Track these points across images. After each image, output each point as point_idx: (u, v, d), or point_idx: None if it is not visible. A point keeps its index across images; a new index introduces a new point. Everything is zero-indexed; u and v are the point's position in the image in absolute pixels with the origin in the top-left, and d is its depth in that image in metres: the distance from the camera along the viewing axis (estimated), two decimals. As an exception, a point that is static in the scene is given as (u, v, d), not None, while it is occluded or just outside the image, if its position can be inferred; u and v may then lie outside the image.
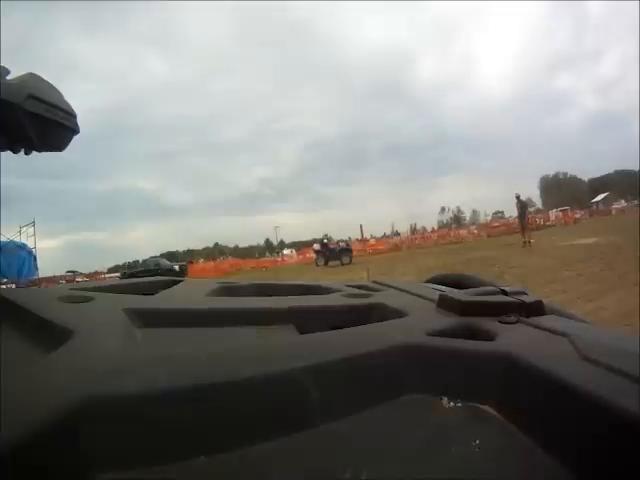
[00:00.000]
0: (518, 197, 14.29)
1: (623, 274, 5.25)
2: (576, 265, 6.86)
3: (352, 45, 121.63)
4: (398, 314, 0.49)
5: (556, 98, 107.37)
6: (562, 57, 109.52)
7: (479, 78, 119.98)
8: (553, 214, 32.26)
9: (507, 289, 0.50)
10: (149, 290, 0.69)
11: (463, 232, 29.63)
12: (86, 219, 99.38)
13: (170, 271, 19.21)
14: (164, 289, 0.70)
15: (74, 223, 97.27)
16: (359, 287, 0.69)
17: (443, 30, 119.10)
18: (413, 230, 52.46)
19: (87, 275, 29.59)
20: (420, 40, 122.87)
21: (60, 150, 0.57)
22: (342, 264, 16.51)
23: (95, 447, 0.24)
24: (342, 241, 20.66)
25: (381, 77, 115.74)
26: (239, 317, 0.50)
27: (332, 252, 17.61)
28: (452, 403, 0.32)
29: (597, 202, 46.90)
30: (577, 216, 30.53)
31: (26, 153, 0.55)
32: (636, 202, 35.12)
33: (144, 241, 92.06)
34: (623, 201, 39.20)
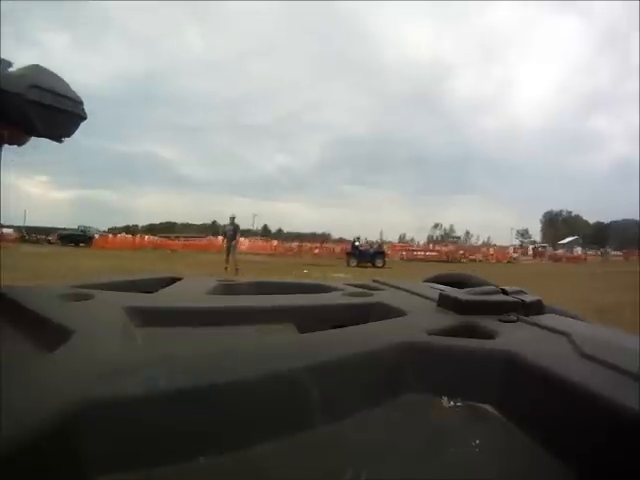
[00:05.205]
0: None
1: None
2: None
3: (393, 47, 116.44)
4: (398, 313, 0.48)
5: (586, 137, 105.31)
6: (600, 98, 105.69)
7: (513, 104, 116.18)
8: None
9: (507, 289, 0.50)
10: (149, 288, 0.69)
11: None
12: (101, 177, 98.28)
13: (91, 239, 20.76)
14: (164, 287, 0.70)
15: (88, 180, 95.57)
16: (360, 286, 0.69)
17: (486, 50, 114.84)
18: (402, 239, 52.98)
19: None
20: (462, 56, 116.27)
21: (68, 136, 0.57)
22: (375, 267, 15.30)
23: (95, 448, 0.23)
24: (367, 243, 19.57)
25: (416, 85, 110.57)
26: (239, 316, 0.49)
27: (364, 254, 16.34)
28: (452, 402, 0.32)
29: (563, 244, 46.57)
30: (515, 255, 28.14)
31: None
32: (593, 252, 35.14)
33: (153, 207, 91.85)
34: (580, 248, 38.23)
